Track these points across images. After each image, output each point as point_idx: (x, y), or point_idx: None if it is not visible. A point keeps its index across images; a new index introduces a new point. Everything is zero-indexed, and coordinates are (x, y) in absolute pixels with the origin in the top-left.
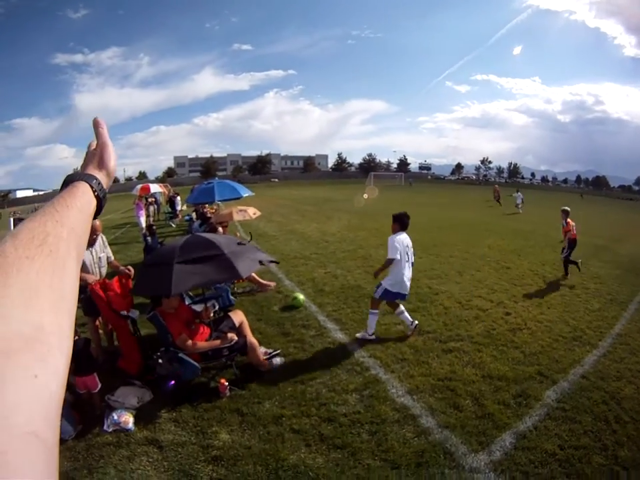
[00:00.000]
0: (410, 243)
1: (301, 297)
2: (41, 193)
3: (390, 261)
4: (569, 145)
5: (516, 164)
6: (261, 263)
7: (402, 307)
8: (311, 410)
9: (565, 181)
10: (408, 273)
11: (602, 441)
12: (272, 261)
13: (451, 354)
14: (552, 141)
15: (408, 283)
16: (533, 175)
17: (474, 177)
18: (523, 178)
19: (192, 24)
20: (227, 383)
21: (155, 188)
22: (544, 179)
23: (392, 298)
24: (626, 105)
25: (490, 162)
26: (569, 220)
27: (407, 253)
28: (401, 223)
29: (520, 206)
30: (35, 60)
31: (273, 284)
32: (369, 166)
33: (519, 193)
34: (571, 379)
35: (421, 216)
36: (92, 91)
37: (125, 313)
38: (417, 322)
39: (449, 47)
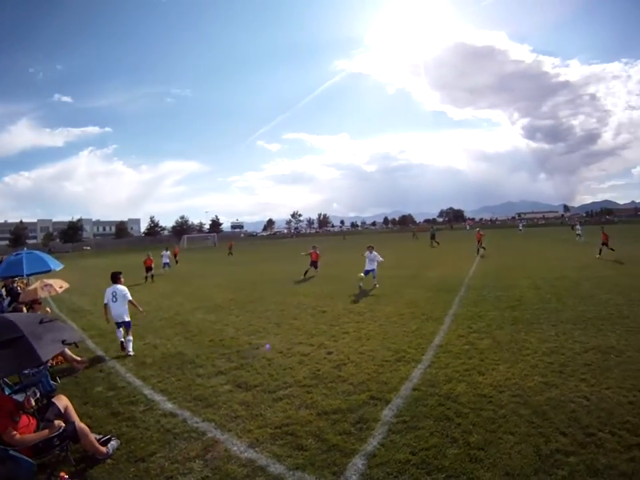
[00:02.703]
0: (115, 291)
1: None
2: None
3: (105, 305)
4: (375, 191)
5: (325, 214)
6: (64, 342)
7: (122, 332)
8: None
9: (374, 223)
10: (114, 310)
11: (450, 435)
12: (74, 343)
13: (282, 401)
14: (359, 189)
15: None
16: (342, 222)
17: (285, 231)
18: (333, 226)
19: (15, 66)
20: (67, 476)
21: None
22: (353, 225)
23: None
24: (426, 151)
25: (300, 215)
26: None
27: (115, 296)
28: (111, 278)
29: (164, 265)
30: None
31: (84, 359)
32: (182, 228)
33: (167, 252)
34: (404, 394)
35: (233, 274)
36: None
37: None
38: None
39: (264, 107)
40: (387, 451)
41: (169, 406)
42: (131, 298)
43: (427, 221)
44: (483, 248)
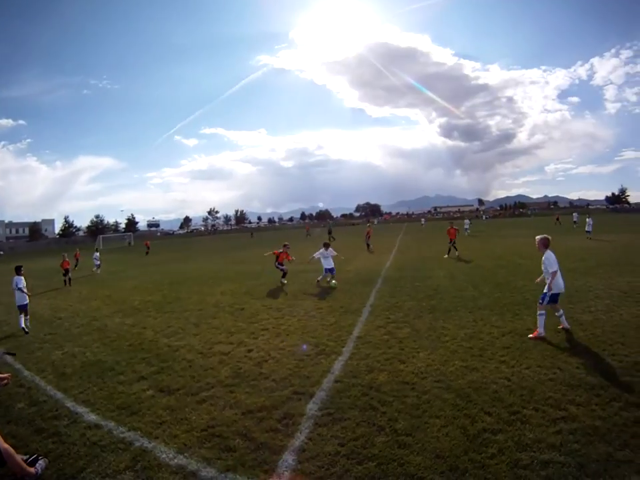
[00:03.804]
0: (17, 281)
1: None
2: None
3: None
4: (292, 186)
5: (242, 210)
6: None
7: (22, 316)
8: None
9: (291, 219)
10: (18, 295)
11: (376, 424)
12: (8, 353)
13: (206, 403)
14: (276, 185)
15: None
16: (259, 218)
17: (202, 228)
18: (250, 223)
19: None
20: None
21: None
22: (271, 221)
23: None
24: (344, 147)
25: (217, 212)
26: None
27: (17, 285)
28: (15, 270)
29: (97, 267)
30: None
31: (8, 375)
32: (97, 228)
33: (97, 253)
34: (326, 387)
35: (150, 275)
36: None
37: None
38: None
39: (183, 101)
40: (316, 445)
41: (92, 417)
42: (22, 286)
43: (343, 215)
44: (368, 245)
